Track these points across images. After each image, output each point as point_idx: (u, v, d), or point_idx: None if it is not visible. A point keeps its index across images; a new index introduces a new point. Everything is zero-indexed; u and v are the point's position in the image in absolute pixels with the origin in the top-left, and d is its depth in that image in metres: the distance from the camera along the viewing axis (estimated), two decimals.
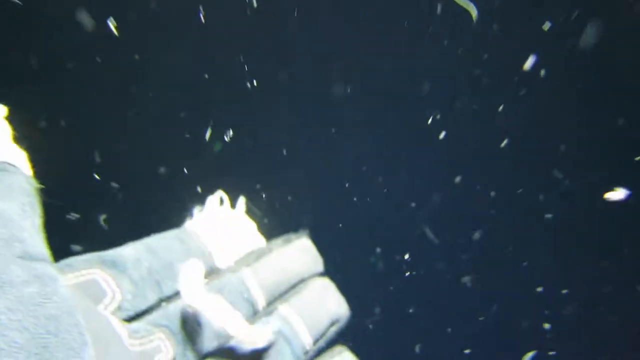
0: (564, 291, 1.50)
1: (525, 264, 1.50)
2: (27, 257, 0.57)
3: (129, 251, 0.82)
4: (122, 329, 0.72)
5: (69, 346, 0.53)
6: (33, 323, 0.51)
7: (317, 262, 0.97)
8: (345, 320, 0.92)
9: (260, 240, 0.97)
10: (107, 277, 0.77)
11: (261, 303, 0.89)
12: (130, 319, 0.78)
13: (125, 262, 0.80)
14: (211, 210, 0.96)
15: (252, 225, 0.99)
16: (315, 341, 0.87)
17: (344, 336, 0.84)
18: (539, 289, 1.50)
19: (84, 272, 0.75)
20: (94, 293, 0.74)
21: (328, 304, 0.91)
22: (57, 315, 0.54)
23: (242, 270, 0.90)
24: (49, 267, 0.59)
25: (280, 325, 0.85)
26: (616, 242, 1.56)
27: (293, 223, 0.99)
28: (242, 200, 0.99)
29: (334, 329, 0.90)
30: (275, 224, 0.98)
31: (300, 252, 0.95)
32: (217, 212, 0.96)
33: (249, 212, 0.99)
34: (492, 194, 1.49)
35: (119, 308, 0.77)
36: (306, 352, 0.86)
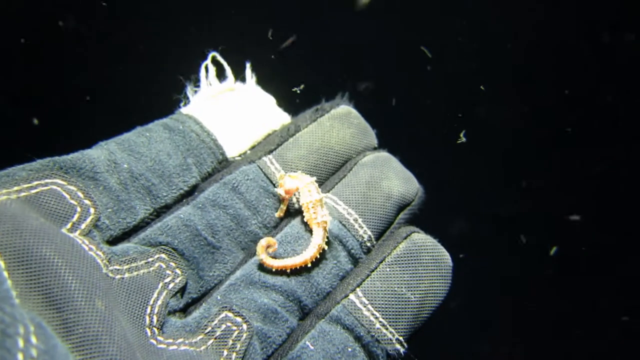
0: None
1: None
2: None
3: (98, 152, 0.59)
4: (97, 252, 0.51)
5: None
6: None
7: (365, 134, 0.70)
8: (419, 201, 0.66)
9: (282, 117, 0.71)
10: (70, 187, 0.55)
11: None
12: (116, 241, 0.57)
13: (94, 166, 0.57)
14: (209, 85, 0.70)
15: (268, 98, 0.72)
16: (379, 233, 0.63)
17: None
18: None
19: (35, 183, 0.53)
20: (54, 210, 0.53)
21: (387, 183, 0.65)
22: None
23: (262, 158, 0.65)
24: None
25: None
26: None
27: (325, 89, 0.71)
28: (248, 67, 0.72)
29: (404, 215, 0.65)
30: (300, 92, 0.72)
31: (340, 124, 0.69)
32: (217, 86, 0.70)
33: (262, 81, 0.72)
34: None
35: (97, 227, 0.55)
36: (367, 250, 0.62)
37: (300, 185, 0.61)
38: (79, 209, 0.54)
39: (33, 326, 0.33)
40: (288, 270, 0.58)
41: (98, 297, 0.45)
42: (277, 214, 0.63)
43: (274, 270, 0.58)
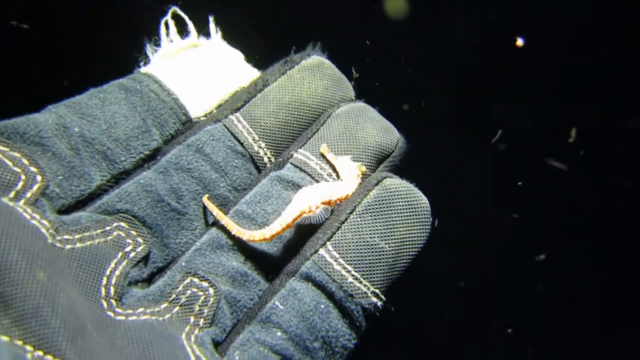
0: None
1: None
2: None
3: (45, 116, 0.55)
4: (42, 221, 0.47)
5: None
6: None
7: (340, 85, 0.65)
8: (399, 151, 0.61)
9: (250, 73, 0.66)
10: (13, 154, 0.51)
11: (264, 155, 0.60)
12: (70, 210, 0.53)
13: (40, 130, 0.53)
14: (170, 42, 0.65)
15: (235, 54, 0.67)
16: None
17: None
18: None
19: None
20: None
21: (363, 133, 0.60)
22: None
23: (229, 117, 0.61)
24: None
25: (297, 176, 0.57)
26: None
27: (296, 41, 0.65)
28: (212, 20, 0.66)
29: (384, 168, 0.60)
30: (269, 45, 0.66)
31: (311, 76, 0.63)
32: (179, 42, 0.65)
33: (227, 36, 0.67)
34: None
35: (45, 196, 0.51)
36: None
37: (343, 175, 0.57)
38: (23, 177, 0.50)
39: None
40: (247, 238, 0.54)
41: (40, 267, 0.42)
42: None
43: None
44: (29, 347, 0.37)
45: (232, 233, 0.53)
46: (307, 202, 0.54)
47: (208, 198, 0.56)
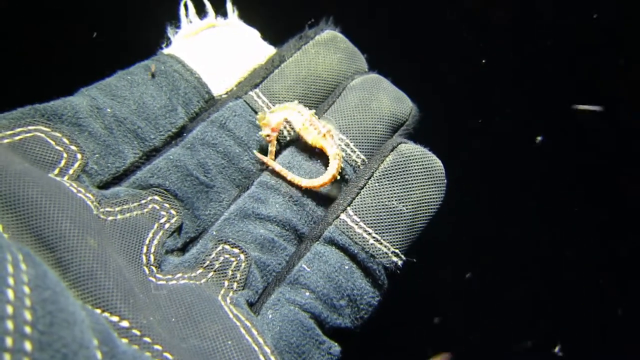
0: None
1: None
2: None
3: (79, 99, 0.58)
4: (86, 194, 0.51)
5: None
6: None
7: (354, 58, 0.67)
8: (413, 120, 0.64)
9: (267, 50, 0.69)
10: (55, 134, 0.54)
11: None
12: (107, 186, 0.57)
13: (76, 112, 0.57)
14: (189, 23, 0.68)
15: (252, 32, 0.70)
16: (372, 154, 0.61)
17: None
18: None
19: (18, 130, 0.53)
20: (40, 156, 0.53)
21: (377, 104, 0.62)
22: None
23: (248, 93, 0.64)
24: None
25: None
26: None
27: (309, 17, 0.68)
28: (229, 1, 0.69)
29: (398, 136, 0.63)
30: (284, 23, 0.69)
31: (325, 50, 0.66)
32: (198, 23, 0.68)
33: (244, 16, 0.69)
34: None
35: (85, 173, 0.55)
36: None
37: (287, 115, 0.59)
38: (65, 155, 0.53)
39: (21, 255, 0.33)
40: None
41: (90, 235, 0.46)
42: (267, 160, 0.60)
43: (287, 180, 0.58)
44: (88, 306, 0.41)
45: (288, 179, 0.58)
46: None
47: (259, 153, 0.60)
